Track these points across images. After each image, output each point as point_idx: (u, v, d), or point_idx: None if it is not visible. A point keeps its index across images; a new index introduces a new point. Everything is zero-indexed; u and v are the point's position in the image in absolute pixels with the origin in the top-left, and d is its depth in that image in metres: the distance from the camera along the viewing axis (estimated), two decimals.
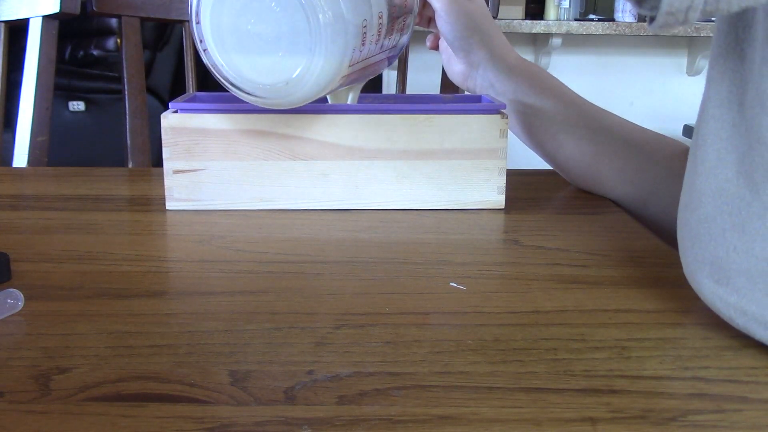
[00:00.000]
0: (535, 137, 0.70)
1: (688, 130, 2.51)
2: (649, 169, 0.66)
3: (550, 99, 0.69)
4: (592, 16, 2.73)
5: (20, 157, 1.01)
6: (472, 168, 0.62)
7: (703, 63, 2.63)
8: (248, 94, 0.53)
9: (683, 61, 2.71)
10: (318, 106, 0.63)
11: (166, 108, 0.62)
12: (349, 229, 0.57)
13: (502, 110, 0.62)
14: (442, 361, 0.36)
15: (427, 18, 0.75)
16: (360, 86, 0.66)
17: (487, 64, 0.70)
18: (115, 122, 2.73)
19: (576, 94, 0.70)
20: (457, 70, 0.73)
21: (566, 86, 0.71)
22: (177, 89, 2.95)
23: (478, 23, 0.70)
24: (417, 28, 0.74)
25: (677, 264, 0.51)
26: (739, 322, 0.37)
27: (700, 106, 0.41)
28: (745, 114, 0.37)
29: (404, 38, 0.65)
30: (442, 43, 0.76)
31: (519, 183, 0.72)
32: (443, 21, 0.69)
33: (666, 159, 0.67)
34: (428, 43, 0.77)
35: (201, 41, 0.53)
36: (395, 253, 0.52)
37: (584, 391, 0.33)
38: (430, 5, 0.72)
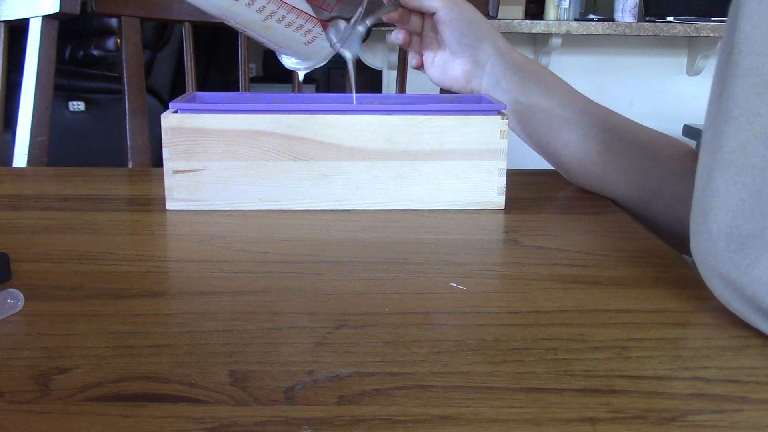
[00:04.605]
0: (539, 136, 0.70)
1: (688, 130, 2.51)
2: (653, 168, 0.66)
3: (556, 97, 0.69)
4: (592, 16, 2.73)
5: (20, 157, 1.01)
6: (472, 168, 0.62)
7: (703, 63, 2.62)
8: None
9: (683, 61, 2.70)
10: (318, 107, 0.63)
11: (166, 108, 0.62)
12: (349, 229, 0.57)
13: (502, 110, 0.62)
14: (442, 361, 0.36)
15: (409, 39, 0.73)
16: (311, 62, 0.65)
17: (496, 59, 0.69)
18: (115, 122, 2.73)
19: (580, 93, 0.70)
20: (458, 73, 0.71)
21: (570, 85, 0.71)
22: (177, 89, 2.95)
23: (480, 20, 0.70)
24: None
25: (677, 264, 0.51)
26: (748, 291, 0.38)
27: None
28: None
29: (358, 27, 0.62)
30: (429, 58, 0.73)
31: (519, 183, 0.72)
32: (447, 20, 0.68)
33: (670, 159, 0.67)
34: (413, 62, 0.75)
35: None
36: (395, 253, 0.52)
37: (584, 391, 0.33)
38: (417, 20, 0.71)
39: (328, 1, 0.58)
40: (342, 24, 0.60)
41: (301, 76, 0.67)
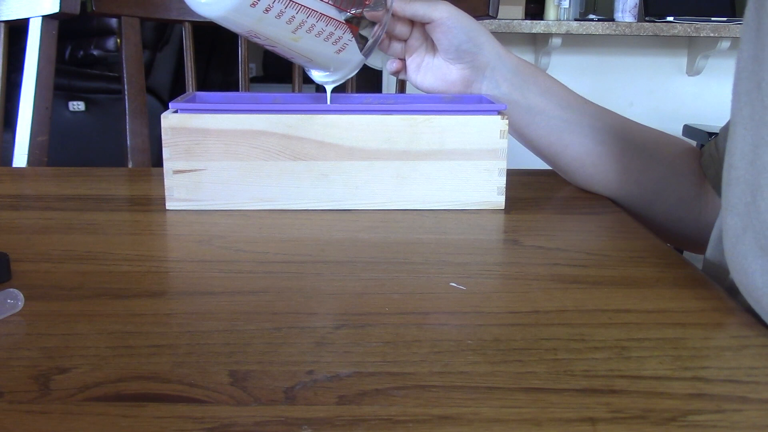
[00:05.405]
0: (539, 138, 0.70)
1: (688, 130, 2.51)
2: (654, 168, 0.66)
3: (555, 99, 0.68)
4: (592, 16, 2.73)
5: (20, 157, 1.01)
6: (472, 168, 0.62)
7: (703, 63, 2.63)
8: None
9: (683, 61, 2.70)
10: (318, 107, 0.63)
11: (166, 108, 0.62)
12: (349, 229, 0.57)
13: (502, 110, 0.62)
14: (442, 361, 0.36)
15: (400, 45, 0.72)
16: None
17: (497, 63, 0.69)
18: (115, 122, 2.73)
19: (578, 94, 0.70)
20: (455, 79, 0.69)
21: (568, 87, 0.70)
22: (177, 89, 2.95)
23: (478, 26, 0.69)
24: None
25: (677, 264, 0.51)
26: None
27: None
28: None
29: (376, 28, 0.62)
30: (414, 63, 0.72)
31: (519, 183, 0.72)
32: (447, 29, 0.67)
33: (671, 158, 0.67)
34: (393, 67, 0.73)
35: None
36: (395, 253, 0.52)
37: (584, 391, 0.33)
38: (404, 27, 0.70)
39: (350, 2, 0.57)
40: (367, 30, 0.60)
41: (329, 90, 0.66)
